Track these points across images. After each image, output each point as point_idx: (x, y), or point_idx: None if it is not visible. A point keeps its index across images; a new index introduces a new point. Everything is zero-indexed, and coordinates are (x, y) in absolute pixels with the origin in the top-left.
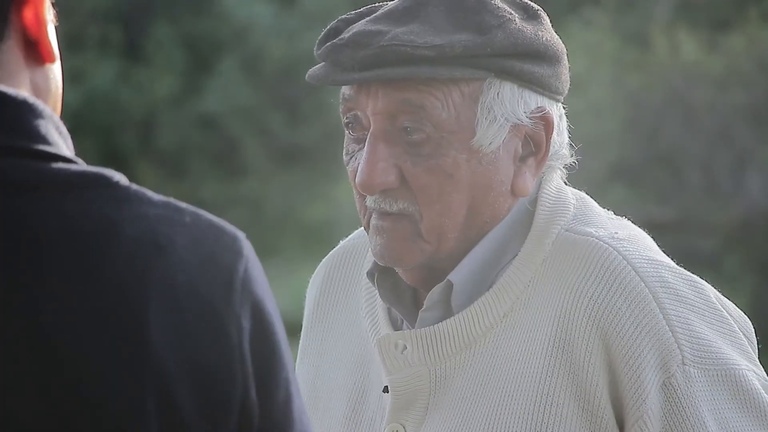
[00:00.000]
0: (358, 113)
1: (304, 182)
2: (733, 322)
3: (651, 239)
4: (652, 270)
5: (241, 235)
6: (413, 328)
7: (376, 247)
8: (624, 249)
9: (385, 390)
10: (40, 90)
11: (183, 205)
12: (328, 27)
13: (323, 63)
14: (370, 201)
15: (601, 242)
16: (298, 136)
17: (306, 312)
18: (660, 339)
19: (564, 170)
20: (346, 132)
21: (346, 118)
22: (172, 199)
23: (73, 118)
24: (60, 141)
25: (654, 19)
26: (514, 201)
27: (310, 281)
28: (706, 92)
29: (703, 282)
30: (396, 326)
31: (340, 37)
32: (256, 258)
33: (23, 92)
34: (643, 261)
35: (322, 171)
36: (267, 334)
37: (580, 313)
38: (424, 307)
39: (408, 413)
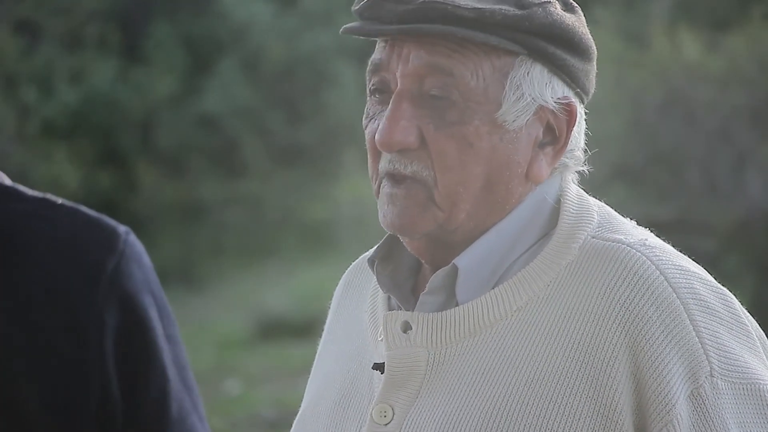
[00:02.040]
0: (387, 76)
1: (304, 182)
2: (756, 337)
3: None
4: (683, 280)
5: (122, 230)
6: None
7: (387, 215)
8: (656, 257)
9: (375, 367)
10: None
11: (60, 201)
12: None
13: (359, 19)
14: (384, 162)
15: (633, 249)
16: (298, 136)
17: (327, 320)
18: (689, 349)
19: (577, 174)
20: (370, 96)
21: (373, 84)
22: (49, 196)
23: (72, 118)
24: None
25: (653, 19)
26: (527, 188)
27: (334, 292)
28: (707, 92)
29: (731, 294)
30: None
31: None
32: (137, 254)
33: None
34: (674, 270)
35: (322, 171)
36: (137, 331)
37: (611, 319)
38: (426, 290)
39: (399, 393)
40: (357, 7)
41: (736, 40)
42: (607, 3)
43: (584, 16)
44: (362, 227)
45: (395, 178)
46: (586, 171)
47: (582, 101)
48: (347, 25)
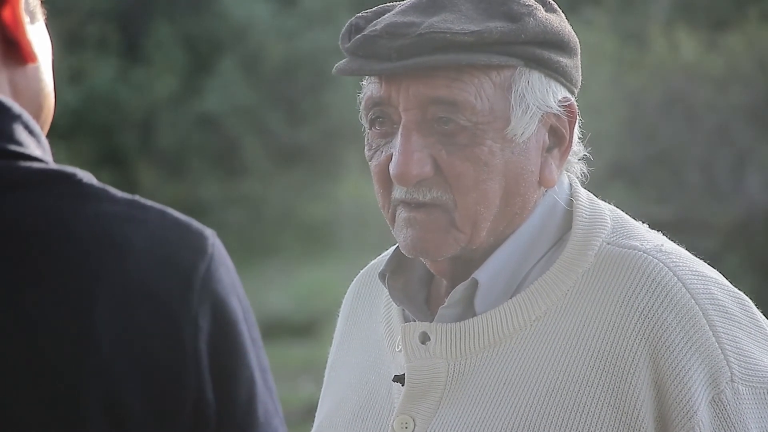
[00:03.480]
0: (387, 110)
1: (304, 182)
2: None
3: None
4: (701, 286)
5: (209, 233)
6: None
7: (407, 239)
8: (672, 263)
9: (395, 379)
10: (19, 90)
11: (149, 203)
12: (348, 24)
13: (352, 56)
14: (399, 192)
15: (649, 256)
16: (298, 135)
17: (337, 328)
18: (709, 355)
19: (582, 163)
20: (370, 128)
21: (372, 114)
22: (137, 198)
23: (72, 118)
24: (29, 140)
25: (652, 19)
26: (540, 193)
27: (343, 299)
28: (706, 92)
29: (747, 297)
30: None
31: (372, 29)
32: (224, 257)
33: None
34: (692, 276)
35: (322, 171)
36: (228, 334)
37: (631, 327)
38: (446, 304)
39: (420, 405)
40: (348, 45)
41: (735, 40)
42: (605, 3)
43: (581, 16)
44: (362, 227)
45: (412, 204)
46: (587, 162)
47: (574, 95)
48: (340, 66)
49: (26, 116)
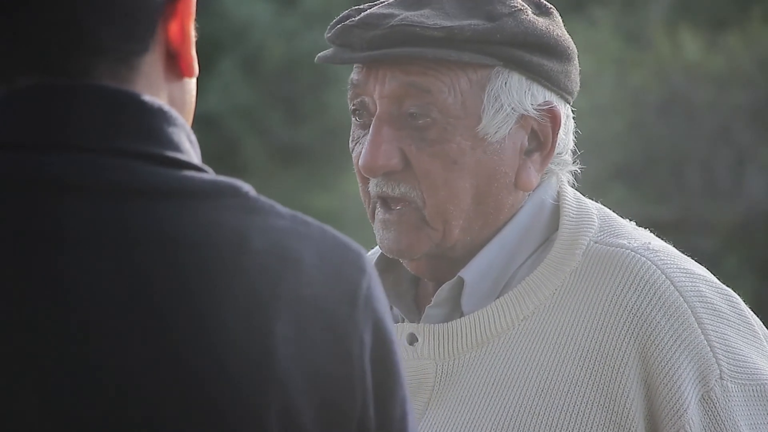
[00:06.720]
0: (365, 99)
1: (304, 181)
2: (762, 336)
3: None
4: (689, 283)
5: (363, 252)
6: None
7: (384, 241)
8: (660, 261)
9: None
10: (175, 103)
11: (309, 219)
12: (341, 14)
13: (331, 45)
14: (372, 186)
15: (637, 254)
16: (298, 135)
17: None
18: (698, 353)
19: (570, 174)
20: (353, 119)
21: (353, 105)
22: (298, 213)
23: None
24: (191, 149)
25: (653, 19)
26: (517, 196)
27: None
28: (707, 92)
29: (735, 294)
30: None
31: (350, 20)
32: (377, 275)
33: (158, 100)
34: (680, 273)
35: (322, 171)
36: (387, 351)
37: (619, 326)
38: (432, 303)
39: None
40: (329, 35)
41: (736, 40)
42: (607, 3)
43: (584, 16)
44: (363, 227)
45: (386, 202)
46: (578, 171)
47: (567, 101)
48: (321, 54)
49: (187, 127)
